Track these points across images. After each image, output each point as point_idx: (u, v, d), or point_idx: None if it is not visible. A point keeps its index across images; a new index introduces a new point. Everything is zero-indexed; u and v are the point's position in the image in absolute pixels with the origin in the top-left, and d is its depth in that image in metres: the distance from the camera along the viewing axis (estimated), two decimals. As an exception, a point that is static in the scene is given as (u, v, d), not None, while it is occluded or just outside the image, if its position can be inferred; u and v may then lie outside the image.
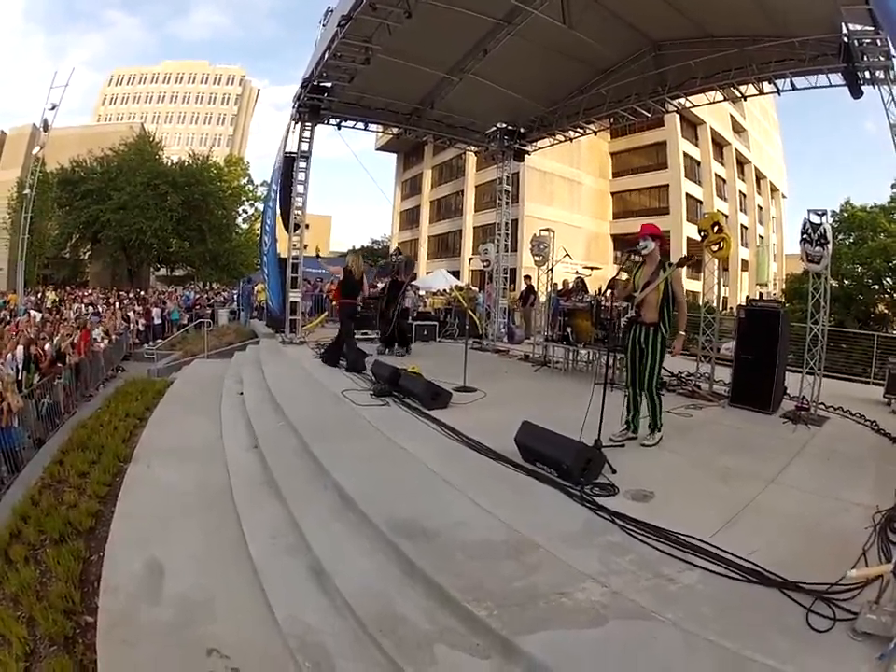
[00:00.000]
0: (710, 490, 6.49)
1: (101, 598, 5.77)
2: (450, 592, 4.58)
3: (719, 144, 57.00)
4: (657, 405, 8.37)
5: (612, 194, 59.93)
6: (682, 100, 16.98)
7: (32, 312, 29.44)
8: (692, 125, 54.03)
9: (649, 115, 18.21)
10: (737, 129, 59.67)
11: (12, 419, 11.56)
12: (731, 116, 57.12)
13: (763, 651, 3.65)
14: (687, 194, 52.86)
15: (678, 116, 44.75)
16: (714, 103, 17.22)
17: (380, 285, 23.95)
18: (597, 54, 16.38)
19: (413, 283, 18.09)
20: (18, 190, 50.75)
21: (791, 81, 14.06)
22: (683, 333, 8.49)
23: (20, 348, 15.34)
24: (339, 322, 15.82)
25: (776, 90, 14.62)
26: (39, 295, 41.25)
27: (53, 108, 38.82)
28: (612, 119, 19.51)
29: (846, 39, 12.12)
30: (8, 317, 28.50)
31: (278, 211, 19.35)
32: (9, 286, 49.32)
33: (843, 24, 12.05)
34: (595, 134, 22.77)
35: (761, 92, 15.47)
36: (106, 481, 9.06)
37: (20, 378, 13.87)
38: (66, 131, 60.23)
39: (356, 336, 15.77)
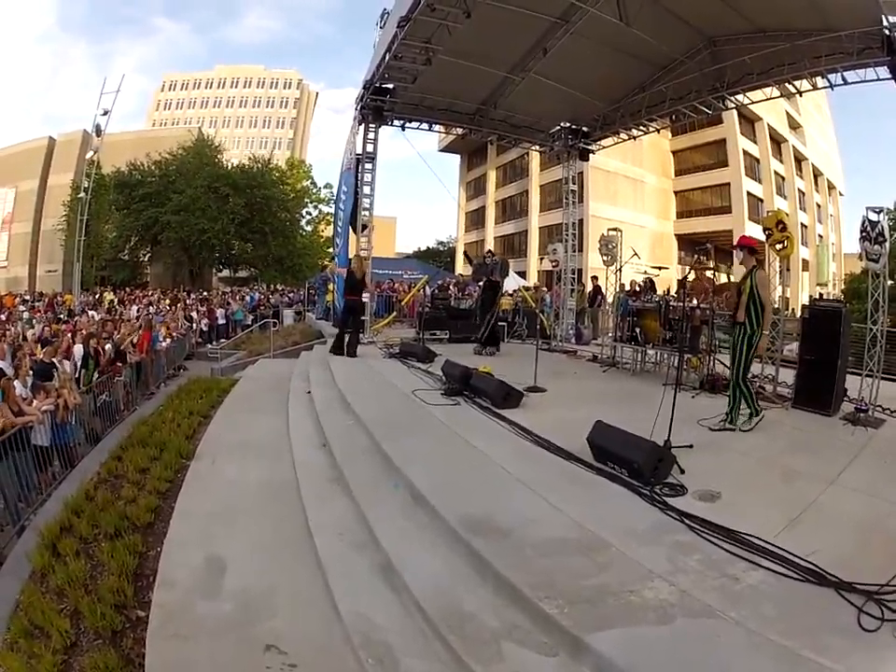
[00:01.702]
0: (774, 490, 6.50)
1: (155, 593, 5.76)
2: (521, 589, 4.55)
3: (776, 141, 56.32)
4: (747, 395, 9.05)
5: (675, 193, 59.53)
6: (740, 96, 16.76)
7: (90, 311, 29.89)
8: (749, 122, 53.43)
9: (709, 112, 17.95)
10: (793, 125, 58.93)
11: (69, 416, 11.54)
12: (786, 112, 56.42)
13: (817, 650, 3.69)
14: (748, 192, 52.30)
15: (735, 113, 44.49)
16: (771, 99, 16.95)
17: (451, 287, 24.10)
18: (655, 51, 16.26)
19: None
20: (73, 193, 51.51)
21: (843, 76, 13.83)
22: (766, 333, 9.09)
23: (78, 346, 15.43)
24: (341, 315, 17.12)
25: (828, 84, 14.39)
26: (97, 296, 41.58)
27: (105, 114, 39.42)
28: (674, 117, 19.24)
29: (887, 32, 11.96)
30: (65, 317, 28.77)
31: (349, 212, 19.38)
32: (65, 286, 50.28)
33: (883, 17, 11.90)
34: (658, 132, 22.49)
35: (814, 87, 15.19)
36: (168, 477, 9.07)
37: (78, 375, 13.97)
38: (120, 136, 61.40)
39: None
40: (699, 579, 4.56)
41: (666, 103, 17.86)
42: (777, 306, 12.95)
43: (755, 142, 54.49)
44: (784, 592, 4.39)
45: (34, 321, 25.68)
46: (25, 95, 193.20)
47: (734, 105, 17.70)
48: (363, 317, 18.83)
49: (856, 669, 3.53)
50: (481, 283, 18.70)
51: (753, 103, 17.49)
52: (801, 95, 16.06)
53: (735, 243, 9.53)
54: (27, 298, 40.18)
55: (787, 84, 15.33)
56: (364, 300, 18.63)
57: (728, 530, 5.24)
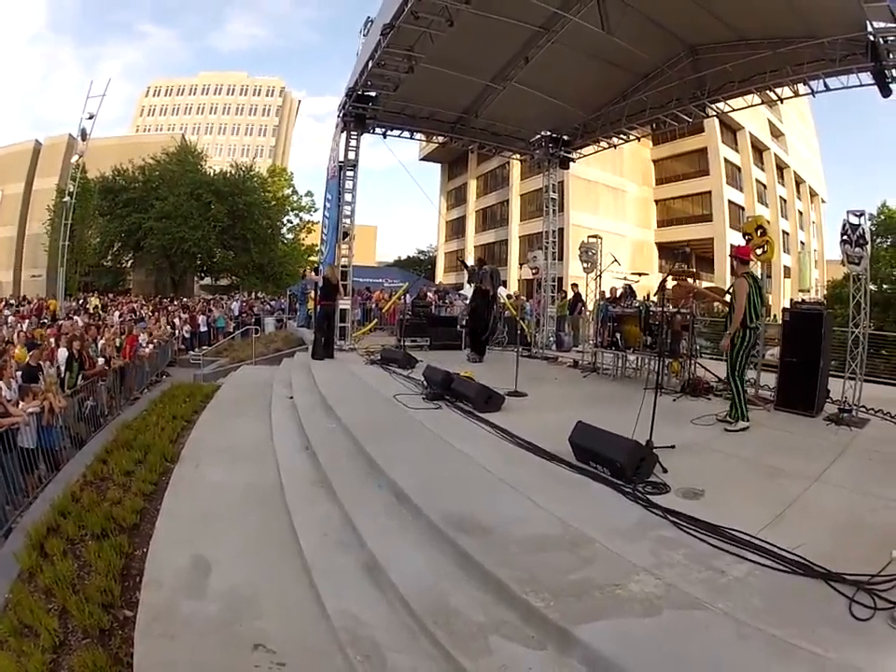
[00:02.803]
0: (758, 488, 6.60)
1: (142, 592, 5.78)
2: (507, 584, 4.62)
3: (758, 149, 56.83)
4: (736, 394, 9.44)
5: (656, 202, 59.80)
6: (721, 104, 16.93)
7: (74, 317, 29.95)
8: (731, 130, 53.87)
9: (690, 120, 18.09)
10: (775, 133, 59.41)
11: (54, 419, 11.65)
12: (769, 120, 57.00)
13: (809, 640, 3.73)
14: (729, 201, 52.67)
15: (717, 121, 45.16)
16: (752, 106, 17.13)
17: (430, 295, 24.25)
18: (636, 60, 16.42)
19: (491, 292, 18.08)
20: (58, 198, 51.69)
21: (825, 82, 14.02)
22: (728, 333, 9.45)
23: (62, 349, 15.47)
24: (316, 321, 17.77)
25: (810, 91, 14.57)
26: (81, 301, 41.93)
27: (91, 118, 39.31)
28: (654, 125, 19.29)
29: (871, 38, 12.17)
30: (48, 321, 28.97)
31: (334, 220, 19.43)
32: (49, 291, 50.18)
33: (868, 22, 12.06)
34: (639, 141, 22.85)
35: (796, 94, 15.38)
36: (153, 479, 9.12)
37: (62, 378, 13.99)
38: (105, 141, 61.02)
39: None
40: (685, 572, 4.63)
41: (647, 111, 18.02)
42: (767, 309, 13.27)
43: (737, 150, 54.94)
44: (772, 584, 4.45)
45: (19, 325, 25.75)
46: (17, 98, 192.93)
47: (714, 113, 17.93)
48: (343, 324, 19.02)
49: (850, 658, 3.59)
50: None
51: (734, 110, 17.73)
52: (782, 102, 16.46)
53: (729, 253, 9.95)
54: (12, 302, 40.29)
55: (768, 91, 15.52)
56: (345, 306, 18.99)
57: (712, 525, 5.32)
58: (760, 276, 12.00)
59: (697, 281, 11.07)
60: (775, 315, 23.23)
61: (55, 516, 7.85)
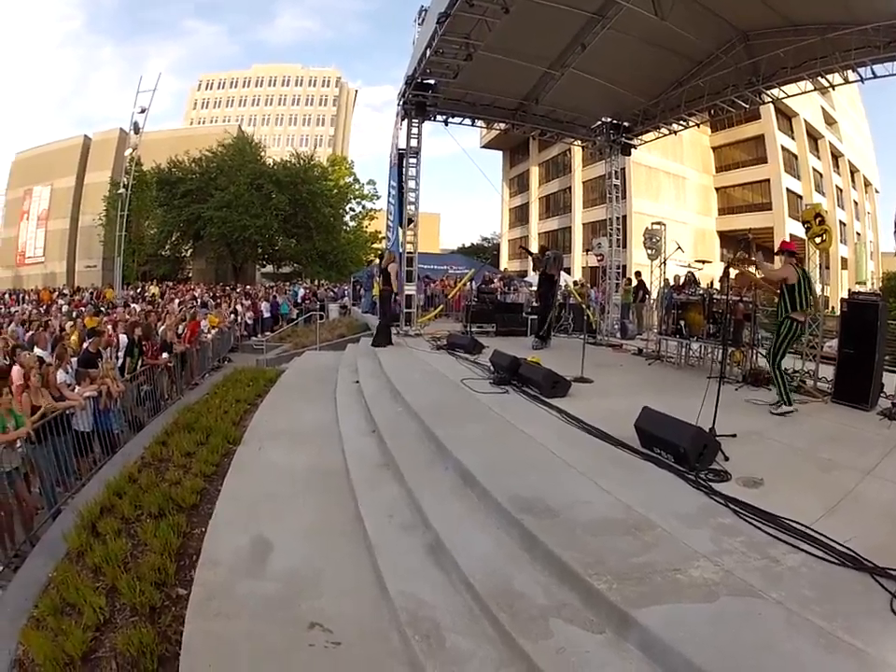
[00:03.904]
0: (813, 480, 6.57)
1: (198, 571, 5.88)
2: (572, 566, 4.65)
3: (813, 136, 55.37)
4: (779, 381, 9.59)
5: (716, 189, 58.65)
6: (776, 90, 16.72)
7: (131, 304, 30.33)
8: (786, 118, 52.58)
9: (746, 106, 17.91)
10: (829, 121, 57.85)
11: (112, 403, 11.79)
12: (822, 108, 55.64)
13: (851, 632, 3.75)
14: (787, 189, 51.41)
15: (772, 108, 44.04)
16: (805, 93, 16.93)
17: (496, 281, 25.07)
18: (691, 45, 16.28)
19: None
20: (112, 190, 52.14)
21: (872, 69, 13.79)
22: (752, 271, 10.21)
23: (122, 335, 15.59)
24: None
25: (859, 78, 14.32)
26: (139, 290, 42.78)
27: (143, 112, 39.81)
28: (712, 112, 19.14)
29: None
30: (105, 310, 29.09)
31: (398, 207, 19.59)
32: (104, 281, 51.54)
33: None
34: (698, 127, 22.53)
35: (846, 81, 15.14)
36: (214, 461, 9.25)
37: (122, 364, 14.16)
38: (158, 134, 61.89)
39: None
40: (742, 559, 4.63)
41: (704, 97, 17.80)
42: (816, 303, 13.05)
43: (792, 137, 53.67)
44: (822, 575, 4.47)
45: (73, 313, 25.90)
46: (55, 98, 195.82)
47: (769, 100, 17.66)
48: (409, 310, 19.28)
49: (887, 653, 3.60)
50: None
51: (789, 96, 17.37)
52: (833, 89, 16.27)
53: (775, 248, 9.93)
54: (66, 292, 41.04)
55: (819, 78, 15.32)
56: (410, 292, 19.19)
57: (770, 514, 5.32)
58: (818, 265, 11.83)
59: (757, 269, 10.83)
60: (833, 307, 22.88)
61: (110, 496, 7.95)
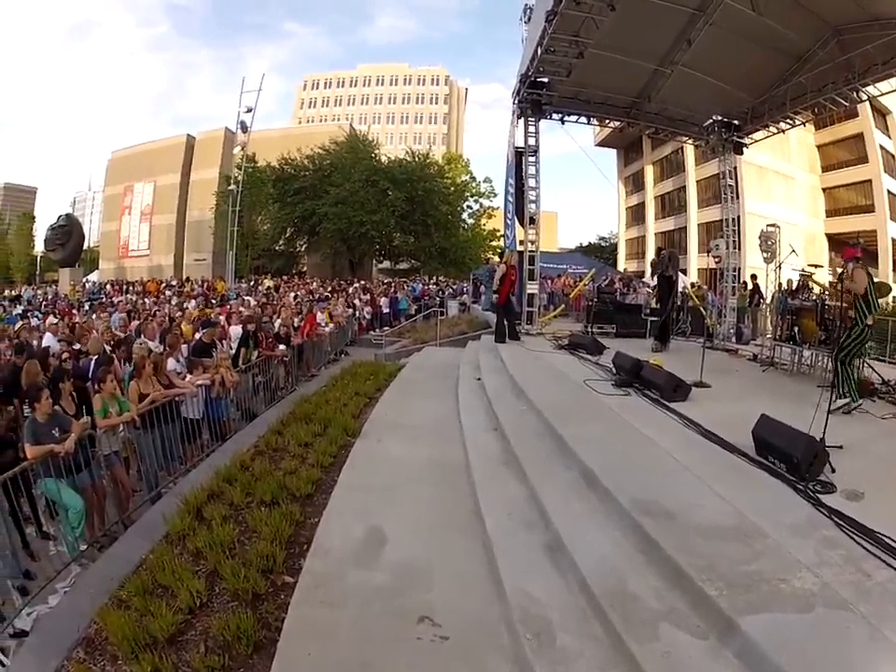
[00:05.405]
0: None
1: (308, 560, 6.00)
2: (686, 570, 4.71)
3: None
4: (841, 375, 9.47)
5: (823, 190, 56.39)
6: (871, 88, 16.41)
7: (245, 297, 31.07)
8: (881, 115, 50.20)
9: (846, 104, 17.69)
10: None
11: (225, 392, 12.19)
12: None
13: None
14: (888, 191, 49.14)
15: (868, 105, 42.49)
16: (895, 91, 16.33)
17: (617, 282, 25.56)
18: (788, 41, 16.11)
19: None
20: (222, 187, 54.31)
21: None
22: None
23: (235, 327, 16.27)
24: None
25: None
26: (252, 283, 43.91)
27: (249, 111, 40.81)
28: (815, 110, 18.76)
29: None
30: (216, 301, 30.51)
31: (515, 205, 19.65)
32: (214, 274, 52.84)
33: None
34: (804, 126, 21.98)
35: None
36: (332, 452, 9.36)
37: (236, 354, 14.47)
38: (266, 133, 64.32)
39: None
40: (839, 572, 4.62)
41: (807, 95, 17.50)
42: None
43: (889, 136, 51.20)
44: None
45: (184, 304, 27.15)
46: (149, 99, 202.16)
47: (866, 97, 17.29)
48: (530, 308, 19.45)
49: None
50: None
51: (883, 94, 17.03)
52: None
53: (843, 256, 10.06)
54: (173, 284, 43.13)
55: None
56: (532, 290, 19.36)
57: (868, 529, 5.27)
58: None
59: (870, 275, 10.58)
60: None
61: (219, 483, 8.14)
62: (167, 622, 5.12)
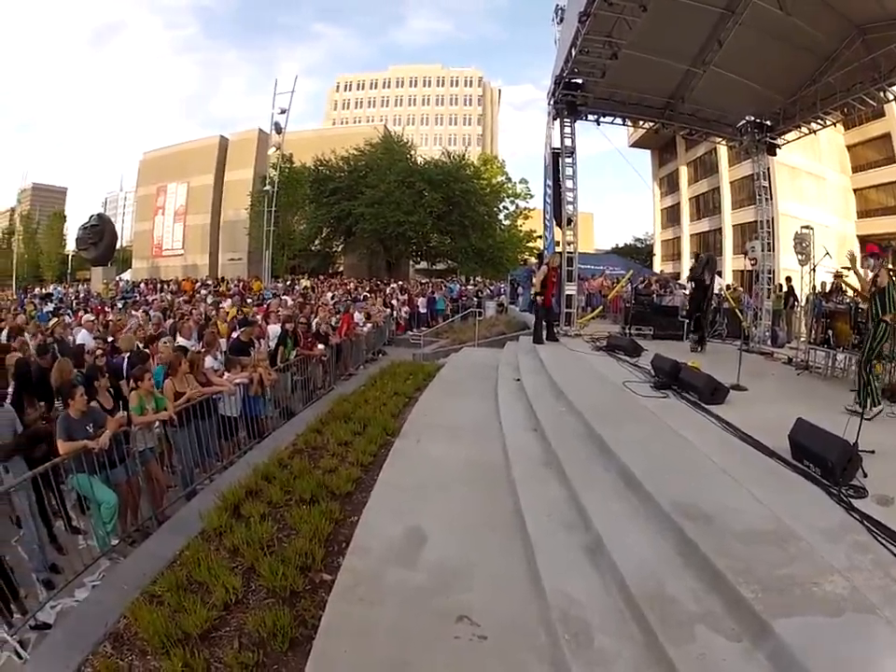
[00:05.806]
0: None
1: (347, 558, 6.11)
2: (724, 573, 4.75)
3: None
4: (867, 384, 9.49)
5: (854, 191, 55.48)
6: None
7: (283, 297, 31.07)
8: (906, 114, 49.37)
9: (874, 104, 17.71)
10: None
11: (263, 390, 12.25)
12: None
13: None
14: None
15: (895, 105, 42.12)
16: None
17: (654, 284, 25.23)
18: (816, 41, 16.16)
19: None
20: (258, 187, 54.39)
21: None
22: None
23: (273, 326, 16.43)
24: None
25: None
26: (289, 283, 43.72)
27: (283, 112, 41.01)
28: (844, 110, 18.61)
29: None
30: (253, 300, 30.83)
31: (553, 206, 19.65)
32: (250, 274, 53.21)
33: None
34: (835, 126, 21.85)
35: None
36: (372, 451, 9.50)
37: (275, 353, 14.56)
38: (300, 134, 64.79)
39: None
40: (868, 577, 4.66)
41: (837, 95, 17.45)
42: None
43: None
44: None
45: (219, 303, 27.13)
46: (179, 101, 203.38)
47: (893, 97, 16.98)
48: (569, 310, 19.54)
49: None
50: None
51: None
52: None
53: (861, 254, 10.23)
54: (209, 283, 43.40)
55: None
56: (570, 292, 19.45)
57: (894, 532, 5.31)
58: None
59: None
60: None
61: (258, 480, 8.24)
62: (200, 617, 5.19)
